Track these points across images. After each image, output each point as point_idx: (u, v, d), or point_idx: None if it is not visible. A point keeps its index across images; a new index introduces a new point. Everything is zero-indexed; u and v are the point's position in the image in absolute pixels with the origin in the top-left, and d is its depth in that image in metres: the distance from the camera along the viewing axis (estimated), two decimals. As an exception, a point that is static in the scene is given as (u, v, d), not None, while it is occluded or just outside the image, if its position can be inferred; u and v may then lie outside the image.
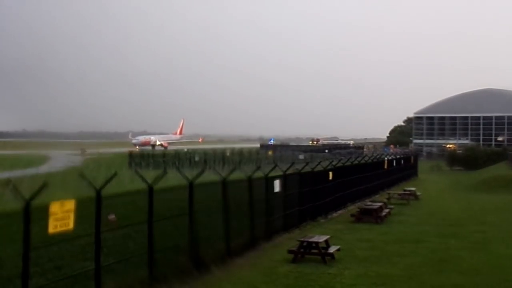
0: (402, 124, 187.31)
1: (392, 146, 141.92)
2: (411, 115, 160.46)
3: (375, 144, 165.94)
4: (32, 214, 12.85)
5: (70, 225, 13.78)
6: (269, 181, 26.35)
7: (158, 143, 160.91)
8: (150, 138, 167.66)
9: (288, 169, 30.07)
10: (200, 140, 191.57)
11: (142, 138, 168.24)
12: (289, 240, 25.79)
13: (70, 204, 13.80)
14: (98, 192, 15.19)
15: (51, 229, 13.27)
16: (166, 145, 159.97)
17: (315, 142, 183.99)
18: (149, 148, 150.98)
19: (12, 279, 13.73)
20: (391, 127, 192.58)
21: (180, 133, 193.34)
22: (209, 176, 23.84)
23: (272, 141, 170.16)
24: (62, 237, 13.91)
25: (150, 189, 17.34)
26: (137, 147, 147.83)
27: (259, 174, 26.07)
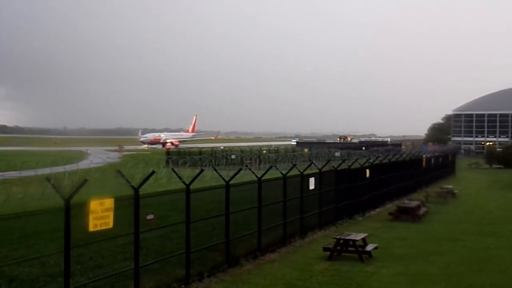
0: (441, 121, 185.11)
1: (430, 143, 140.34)
2: (450, 112, 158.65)
3: (413, 142, 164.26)
4: (72, 211, 13.02)
5: (110, 224, 13.90)
6: (304, 179, 26.32)
7: (168, 141, 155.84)
8: (160, 136, 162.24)
9: (323, 166, 29.97)
10: (213, 137, 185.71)
11: (151, 136, 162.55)
12: (324, 238, 25.75)
13: (110, 203, 13.91)
14: (136, 191, 15.32)
15: (92, 228, 13.41)
16: (177, 143, 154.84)
17: (342, 140, 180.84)
18: (159, 146, 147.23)
19: (55, 276, 13.94)
20: (430, 125, 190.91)
21: (193, 130, 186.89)
22: (245, 174, 23.87)
23: (295, 140, 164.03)
24: (102, 236, 14.05)
25: (188, 189, 17.45)
26: (146, 145, 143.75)
27: (294, 171, 26.06)
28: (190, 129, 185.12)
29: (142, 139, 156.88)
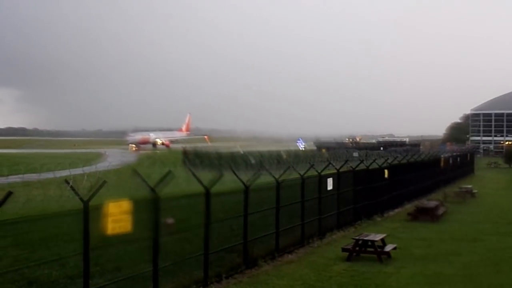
0: (459, 121, 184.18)
1: (448, 143, 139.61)
2: (468, 112, 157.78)
3: (432, 141, 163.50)
4: (90, 213, 13.08)
5: (128, 227, 13.91)
6: (322, 180, 26.28)
7: (159, 141, 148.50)
8: (149, 136, 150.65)
9: (341, 167, 29.90)
10: (206, 137, 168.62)
11: (139, 136, 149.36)
12: (343, 238, 25.69)
13: (127, 205, 13.93)
14: (154, 192, 15.27)
15: (110, 231, 13.44)
16: (168, 143, 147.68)
17: (351, 141, 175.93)
18: (150, 146, 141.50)
19: (74, 278, 14.02)
20: (448, 124, 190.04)
21: (186, 130, 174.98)
22: (264, 175, 23.85)
23: (300, 141, 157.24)
24: (121, 238, 14.09)
25: (207, 192, 17.48)
26: (134, 146, 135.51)
27: (312, 172, 26.03)
28: (184, 129, 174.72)
29: (129, 138, 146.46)
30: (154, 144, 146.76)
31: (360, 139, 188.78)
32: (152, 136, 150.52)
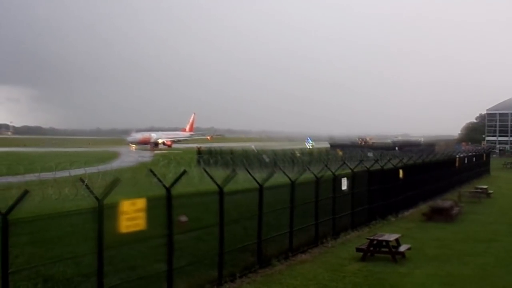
0: (475, 121, 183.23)
1: (464, 143, 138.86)
2: (484, 112, 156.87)
3: (447, 141, 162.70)
4: (105, 212, 13.15)
5: (142, 225, 13.94)
6: (336, 179, 26.26)
7: (160, 141, 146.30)
8: (150, 135, 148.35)
9: (356, 167, 29.86)
10: (208, 137, 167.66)
11: (139, 135, 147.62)
12: (357, 238, 25.65)
13: (141, 203, 13.97)
14: (169, 191, 15.34)
15: (123, 229, 13.48)
16: (169, 143, 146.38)
17: (362, 141, 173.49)
18: (150, 146, 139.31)
19: (89, 276, 14.09)
20: (463, 124, 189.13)
21: (190, 129, 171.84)
22: (278, 176, 23.88)
23: (309, 140, 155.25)
24: (135, 237, 14.14)
25: (221, 191, 17.51)
26: (134, 146, 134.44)
27: (326, 172, 26.01)
28: (188, 128, 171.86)
29: (129, 138, 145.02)
30: (156, 144, 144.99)
31: (370, 139, 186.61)
32: (153, 136, 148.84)
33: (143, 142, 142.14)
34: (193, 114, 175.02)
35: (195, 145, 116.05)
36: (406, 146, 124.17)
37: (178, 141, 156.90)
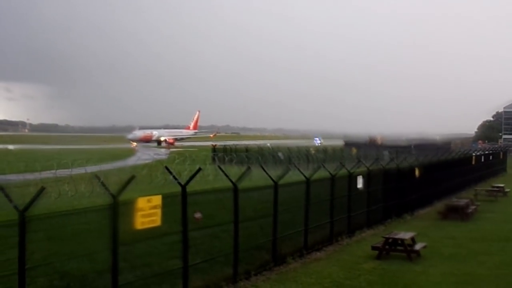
0: (491, 119, 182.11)
1: (480, 141, 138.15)
2: (501, 110, 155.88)
3: (463, 140, 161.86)
4: (120, 208, 13.21)
5: (158, 221, 14.00)
6: (352, 178, 26.22)
7: (162, 138, 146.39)
8: (152, 133, 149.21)
9: (371, 165, 29.81)
10: (211, 135, 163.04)
11: (140, 133, 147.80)
12: (372, 237, 25.61)
13: (157, 200, 14.02)
14: (184, 188, 15.40)
15: (139, 226, 13.55)
16: (171, 141, 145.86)
17: (372, 141, 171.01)
18: (154, 144, 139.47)
19: (103, 273, 14.17)
20: (480, 122, 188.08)
21: (194, 127, 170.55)
22: (293, 174, 23.88)
23: (318, 139, 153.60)
24: (150, 233, 14.20)
25: (235, 188, 17.58)
26: (135, 143, 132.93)
27: (342, 171, 25.98)
28: (192, 126, 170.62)
29: (130, 136, 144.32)
30: (159, 142, 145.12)
31: (380, 139, 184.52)
32: (155, 133, 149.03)
33: (144, 140, 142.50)
34: (197, 112, 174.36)
35: (196, 144, 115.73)
36: (421, 145, 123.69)
37: (181, 139, 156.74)
